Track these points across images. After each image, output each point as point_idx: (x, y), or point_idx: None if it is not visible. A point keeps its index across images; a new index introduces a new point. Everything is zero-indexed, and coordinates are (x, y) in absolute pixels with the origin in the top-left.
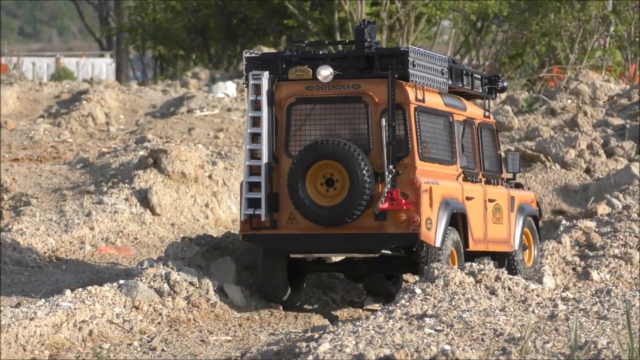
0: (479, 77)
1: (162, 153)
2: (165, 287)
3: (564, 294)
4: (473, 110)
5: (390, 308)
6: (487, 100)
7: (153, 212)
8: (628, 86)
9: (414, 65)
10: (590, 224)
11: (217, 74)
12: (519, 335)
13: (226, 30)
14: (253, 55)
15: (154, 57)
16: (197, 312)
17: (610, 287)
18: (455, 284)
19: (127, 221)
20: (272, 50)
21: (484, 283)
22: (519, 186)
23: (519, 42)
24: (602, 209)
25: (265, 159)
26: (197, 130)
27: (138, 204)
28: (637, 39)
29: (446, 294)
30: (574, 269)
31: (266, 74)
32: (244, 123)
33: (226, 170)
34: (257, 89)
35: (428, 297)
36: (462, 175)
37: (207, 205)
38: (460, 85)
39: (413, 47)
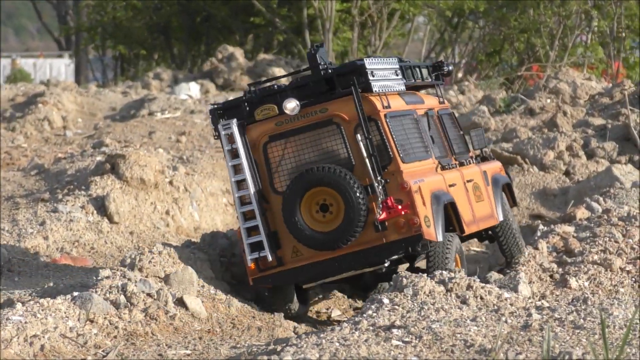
0: (425, 67)
1: (120, 158)
2: (122, 298)
3: (538, 303)
4: (430, 101)
5: (356, 319)
6: (438, 87)
7: (110, 221)
8: (610, 84)
9: (373, 75)
10: (569, 228)
11: (180, 75)
12: (490, 346)
13: (190, 29)
14: (215, 106)
15: (114, 57)
16: (155, 325)
17: (587, 295)
18: (424, 293)
19: (83, 230)
20: (239, 49)
21: (455, 292)
22: (484, 159)
23: (496, 39)
24: (582, 213)
25: (255, 202)
26: (158, 133)
27: (95, 211)
28: (620, 35)
29: (415, 304)
30: (551, 276)
31: (234, 121)
32: (210, 125)
33: (188, 175)
34: (230, 137)
35: (396, 307)
36: (439, 166)
37: (167, 213)
38: (413, 80)
39: (367, 58)
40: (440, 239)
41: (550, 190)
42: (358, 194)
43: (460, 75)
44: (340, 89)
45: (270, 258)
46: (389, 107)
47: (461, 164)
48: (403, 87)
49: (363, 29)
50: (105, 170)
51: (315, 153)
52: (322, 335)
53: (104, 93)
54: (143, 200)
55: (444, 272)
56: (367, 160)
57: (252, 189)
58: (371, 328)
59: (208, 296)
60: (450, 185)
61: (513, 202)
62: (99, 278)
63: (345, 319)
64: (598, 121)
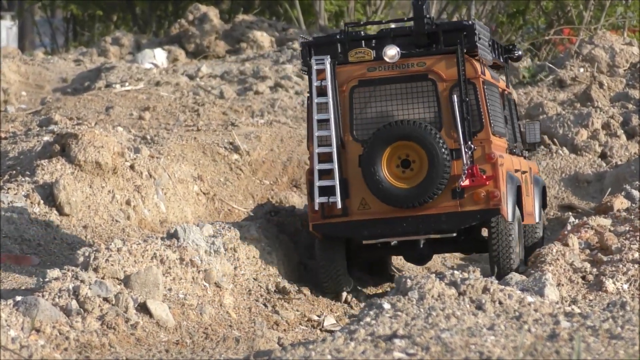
0: (499, 47)
1: (72, 138)
2: (74, 304)
3: (568, 309)
4: (502, 83)
5: (352, 327)
6: (505, 70)
7: (60, 212)
8: None
9: (479, 39)
10: (605, 221)
11: (143, 40)
12: (510, 359)
13: None
14: (307, 39)
15: (65, 19)
16: (113, 335)
17: (625, 300)
18: (432, 296)
19: (27, 223)
20: (213, 9)
21: (469, 295)
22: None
23: None
24: (620, 202)
25: (334, 145)
26: (117, 109)
27: (42, 201)
28: None
29: (421, 310)
30: (583, 278)
31: (328, 58)
32: (178, 99)
33: (152, 159)
34: (321, 73)
35: (399, 313)
36: (508, 147)
37: (128, 203)
38: (495, 56)
39: (477, 20)
40: (510, 219)
41: (583, 176)
42: (444, 153)
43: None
44: (443, 46)
45: (339, 205)
46: (484, 74)
47: (520, 154)
48: (491, 61)
49: None
50: (54, 152)
51: (403, 106)
52: (311, 346)
53: (52, 61)
54: (99, 188)
55: (455, 272)
56: (459, 123)
57: (333, 131)
58: (369, 338)
59: (176, 301)
60: (516, 171)
61: (544, 206)
62: (47, 280)
63: (339, 327)
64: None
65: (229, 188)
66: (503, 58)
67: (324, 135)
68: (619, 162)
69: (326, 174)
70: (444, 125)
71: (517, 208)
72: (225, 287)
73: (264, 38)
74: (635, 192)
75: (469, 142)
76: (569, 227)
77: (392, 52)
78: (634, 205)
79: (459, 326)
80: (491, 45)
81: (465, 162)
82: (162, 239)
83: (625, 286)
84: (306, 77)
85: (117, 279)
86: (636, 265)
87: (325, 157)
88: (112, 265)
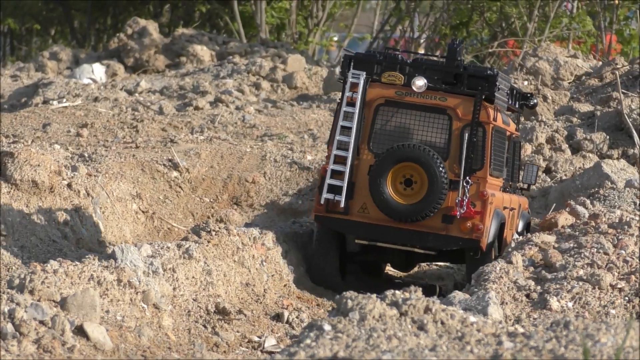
0: (517, 93)
1: (7, 156)
2: (9, 327)
3: (511, 328)
4: (512, 126)
5: (291, 349)
6: (519, 115)
7: None
8: (600, 62)
9: (498, 89)
10: (549, 238)
11: (81, 54)
12: None
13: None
14: (351, 53)
15: (2, 33)
16: (49, 358)
17: (569, 319)
18: (374, 317)
19: None
20: (153, 22)
21: (411, 316)
22: (516, 190)
23: (463, 8)
24: (564, 219)
25: (352, 150)
26: (55, 126)
27: None
28: (613, 2)
29: (362, 331)
30: (527, 296)
31: (364, 74)
32: (117, 115)
33: (90, 177)
34: (354, 86)
35: (339, 334)
36: (502, 186)
37: (66, 223)
38: (511, 103)
39: (499, 71)
40: (486, 249)
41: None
42: (444, 183)
43: (420, 52)
44: (466, 88)
45: (342, 204)
46: (495, 120)
47: (513, 191)
48: (506, 107)
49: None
50: None
51: (419, 132)
52: None
53: None
54: (36, 208)
55: (397, 292)
56: (463, 159)
57: (352, 139)
58: None
59: (114, 323)
60: (504, 208)
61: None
62: None
63: (280, 349)
64: (585, 107)
65: (169, 206)
66: (519, 104)
67: (344, 141)
68: (564, 177)
69: (337, 174)
70: (450, 157)
71: (496, 240)
72: (164, 309)
73: (204, 52)
74: (580, 208)
75: (468, 178)
76: (512, 244)
77: (420, 82)
78: (578, 221)
79: (400, 347)
80: (510, 92)
81: (460, 194)
82: (99, 259)
83: (570, 304)
84: (248, 92)
85: (54, 301)
86: (580, 283)
87: (340, 160)
88: (48, 287)
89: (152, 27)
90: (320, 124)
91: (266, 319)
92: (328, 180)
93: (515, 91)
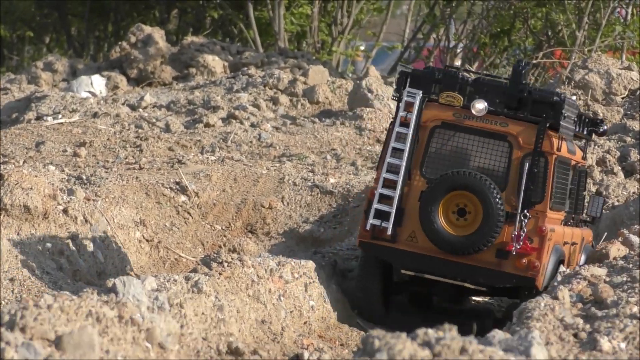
0: (586, 119)
1: None
2: None
3: None
4: (578, 154)
5: None
6: (587, 143)
7: None
8: None
9: (564, 117)
10: (600, 271)
11: (79, 65)
12: None
13: (92, 4)
14: (407, 70)
15: None
16: None
17: None
18: (403, 359)
19: None
20: (159, 30)
21: (444, 357)
22: (579, 222)
23: (505, 15)
24: (617, 250)
25: (402, 174)
26: (49, 145)
27: None
28: None
29: None
30: (575, 335)
31: (420, 93)
32: (118, 133)
33: (89, 202)
34: (409, 106)
35: None
36: (564, 219)
37: (61, 253)
38: (578, 130)
39: (567, 97)
40: (542, 289)
41: None
42: (500, 215)
43: (457, 63)
44: (529, 114)
45: (390, 232)
46: (559, 150)
47: (575, 224)
48: (572, 135)
49: (326, 3)
50: None
51: (476, 158)
52: None
53: None
54: (28, 236)
55: (429, 331)
56: (522, 191)
57: (404, 162)
58: None
59: None
60: (565, 243)
61: None
62: None
63: None
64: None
65: (176, 234)
66: (587, 131)
67: (395, 164)
68: (616, 203)
69: (386, 198)
70: (508, 188)
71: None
72: (170, 349)
73: (215, 63)
74: (634, 238)
75: (526, 211)
76: (559, 278)
77: (480, 106)
78: (632, 252)
79: None
80: (577, 118)
81: (517, 228)
82: (98, 294)
83: (623, 345)
84: (264, 107)
85: (48, 340)
86: (635, 321)
87: (390, 184)
88: (41, 324)
89: (158, 34)
90: (344, 143)
91: None
92: (375, 205)
93: (583, 117)
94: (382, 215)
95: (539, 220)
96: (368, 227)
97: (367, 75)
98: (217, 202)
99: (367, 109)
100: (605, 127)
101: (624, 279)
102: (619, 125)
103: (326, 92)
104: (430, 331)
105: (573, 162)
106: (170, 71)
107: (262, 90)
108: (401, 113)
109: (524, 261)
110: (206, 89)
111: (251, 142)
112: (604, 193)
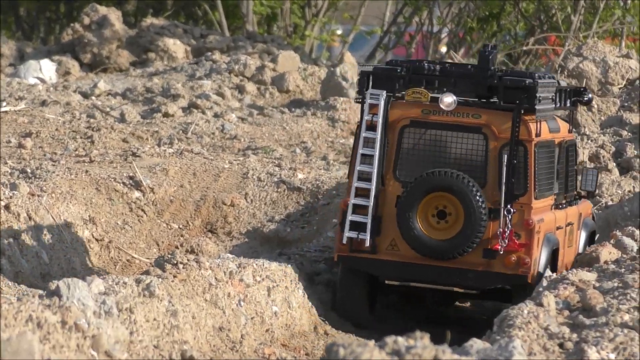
0: (567, 92)
1: None
2: None
3: None
4: (563, 130)
5: None
6: (572, 115)
7: None
8: None
9: (540, 101)
10: (589, 275)
11: (27, 48)
12: None
13: None
14: (368, 68)
15: None
16: None
17: None
18: None
19: None
20: (115, 10)
21: None
22: (579, 196)
23: None
24: (608, 252)
25: (374, 182)
26: None
27: None
28: None
29: None
30: (561, 345)
31: (384, 94)
32: (68, 123)
33: (33, 197)
34: (373, 108)
35: None
36: (554, 204)
37: (2, 252)
38: (559, 105)
39: (540, 78)
40: (535, 282)
41: None
42: (483, 214)
43: (442, 50)
44: (502, 102)
45: (368, 243)
46: (539, 134)
47: (568, 204)
48: (553, 113)
49: None
50: None
51: (451, 155)
52: None
53: None
54: None
55: (399, 338)
56: (503, 185)
57: (375, 168)
58: None
59: None
60: (558, 228)
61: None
62: None
63: None
64: (637, 118)
65: (129, 233)
66: (571, 102)
67: (366, 171)
68: (610, 202)
69: (361, 208)
70: (488, 182)
71: (548, 268)
72: (118, 357)
73: (177, 47)
74: (627, 240)
75: (509, 206)
76: (544, 283)
77: (449, 100)
78: (624, 256)
79: None
80: (556, 94)
81: (502, 225)
82: (40, 297)
83: (612, 356)
84: (229, 96)
85: None
86: (626, 330)
87: (363, 192)
88: None
89: (115, 16)
90: (315, 136)
91: None
92: (350, 217)
93: (564, 89)
94: (358, 226)
95: (525, 213)
96: (345, 241)
97: (342, 61)
98: (174, 199)
99: (341, 99)
100: (590, 96)
101: (615, 284)
102: (614, 117)
103: (297, 80)
104: (400, 339)
105: (558, 140)
106: (127, 56)
107: (227, 78)
108: (366, 117)
109: (513, 258)
110: (166, 76)
111: (213, 133)
112: (597, 192)
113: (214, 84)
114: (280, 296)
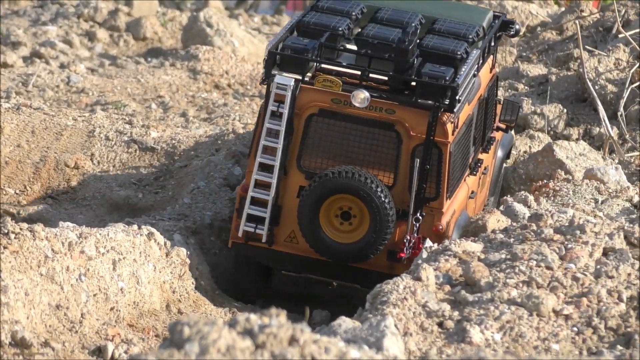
0: (491, 25)
1: None
2: None
3: None
4: (484, 77)
5: None
6: (495, 51)
7: None
8: (562, 9)
9: (459, 101)
10: (473, 246)
11: None
12: None
13: None
14: (276, 51)
15: None
16: None
17: (495, 357)
18: (219, 350)
19: None
20: None
21: (270, 349)
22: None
23: None
24: (496, 220)
25: (276, 176)
26: None
27: None
28: None
29: None
30: (440, 325)
31: (292, 82)
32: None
33: None
34: (280, 97)
35: None
36: (469, 170)
37: None
38: (482, 62)
39: (463, 57)
40: None
41: None
42: (390, 218)
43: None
44: (419, 99)
45: (265, 239)
46: (457, 127)
47: (484, 150)
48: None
49: None
50: None
51: (360, 151)
52: None
53: None
54: None
55: (252, 316)
56: (413, 189)
57: (278, 162)
58: None
59: None
60: (472, 193)
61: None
62: None
63: None
64: (536, 70)
65: None
66: (496, 37)
67: (268, 164)
68: (504, 165)
69: (260, 201)
70: (398, 183)
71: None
72: None
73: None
74: (518, 207)
75: (418, 213)
76: (423, 255)
77: (361, 96)
78: (514, 224)
79: None
80: (479, 57)
81: (408, 232)
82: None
83: (497, 336)
84: (77, 44)
85: None
86: (513, 308)
87: (263, 184)
88: None
89: None
90: (174, 89)
91: (83, 354)
92: (247, 209)
93: (485, 29)
94: (256, 218)
95: (435, 218)
96: (240, 234)
97: (206, 5)
98: (9, 160)
99: (205, 48)
100: (517, 27)
101: (503, 256)
102: (511, 69)
103: (155, 26)
104: (253, 317)
105: (479, 96)
106: None
107: (76, 23)
108: (271, 106)
109: None
110: (6, 21)
111: (58, 86)
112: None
113: (60, 30)
114: (127, 270)
